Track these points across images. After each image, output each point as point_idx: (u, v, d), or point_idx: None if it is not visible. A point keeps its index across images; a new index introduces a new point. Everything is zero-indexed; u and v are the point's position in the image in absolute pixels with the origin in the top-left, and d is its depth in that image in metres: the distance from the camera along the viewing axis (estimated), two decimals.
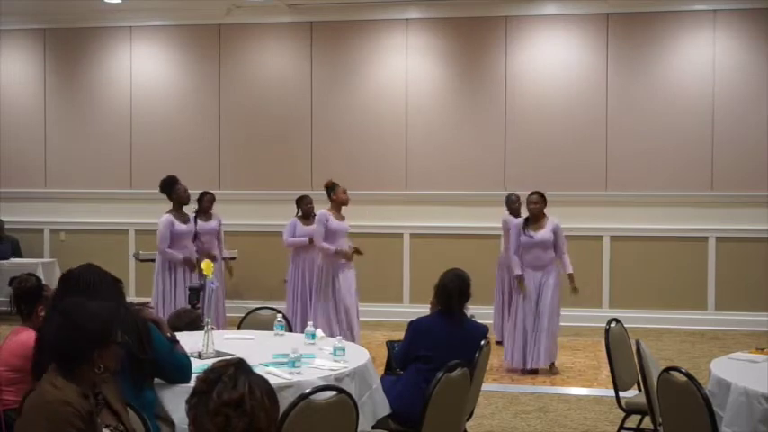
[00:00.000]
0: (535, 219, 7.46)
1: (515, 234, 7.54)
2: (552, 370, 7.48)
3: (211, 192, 8.60)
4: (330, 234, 7.58)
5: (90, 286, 3.39)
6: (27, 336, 3.97)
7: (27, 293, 4.25)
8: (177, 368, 3.57)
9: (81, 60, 11.22)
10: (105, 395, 2.78)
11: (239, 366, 2.17)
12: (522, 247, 7.47)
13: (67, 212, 11.10)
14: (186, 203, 8.04)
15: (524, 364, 7.41)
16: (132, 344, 3.33)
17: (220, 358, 2.70)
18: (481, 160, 10.25)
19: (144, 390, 3.41)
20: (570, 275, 7.43)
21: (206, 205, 8.49)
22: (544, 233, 7.40)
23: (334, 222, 7.62)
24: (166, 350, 3.55)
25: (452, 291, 4.64)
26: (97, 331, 2.71)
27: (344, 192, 7.74)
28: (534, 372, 7.40)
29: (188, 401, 2.17)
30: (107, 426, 2.72)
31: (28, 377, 3.65)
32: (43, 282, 4.55)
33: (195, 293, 6.88)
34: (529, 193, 7.61)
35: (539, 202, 7.44)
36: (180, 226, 7.90)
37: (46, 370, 2.74)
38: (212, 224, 8.42)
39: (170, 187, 7.99)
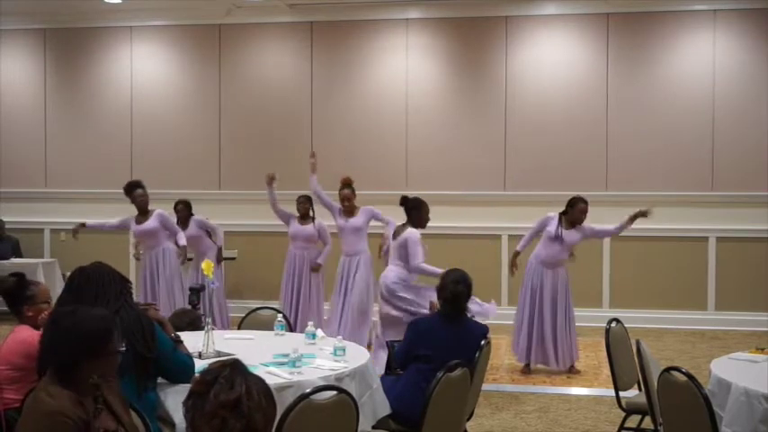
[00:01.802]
0: (579, 222, 7.45)
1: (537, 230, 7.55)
2: (572, 370, 7.47)
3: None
4: (339, 231, 7.99)
5: (99, 285, 3.44)
6: (27, 334, 3.98)
7: (6, 295, 4.22)
8: (180, 368, 3.60)
9: (81, 60, 11.22)
10: (106, 397, 2.78)
11: (235, 367, 2.16)
12: (548, 240, 7.42)
13: (67, 212, 11.07)
14: (142, 208, 8.17)
15: (546, 362, 7.41)
16: (138, 343, 3.37)
17: (220, 358, 2.70)
18: (481, 160, 10.25)
19: (147, 391, 3.43)
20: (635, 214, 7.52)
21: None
22: (575, 236, 7.42)
23: (339, 221, 7.93)
24: (170, 349, 3.58)
25: (460, 293, 4.63)
26: (87, 342, 2.68)
27: (341, 197, 7.91)
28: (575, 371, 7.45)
29: (184, 403, 2.16)
30: (106, 430, 2.71)
31: (29, 376, 3.66)
32: (41, 281, 4.54)
33: (195, 294, 6.90)
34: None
35: (587, 212, 7.46)
36: (136, 227, 8.20)
37: None
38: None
39: (129, 192, 8.18)
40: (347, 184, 7.99)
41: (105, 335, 2.72)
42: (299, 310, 8.47)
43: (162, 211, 8.26)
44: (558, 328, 7.38)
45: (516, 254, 7.58)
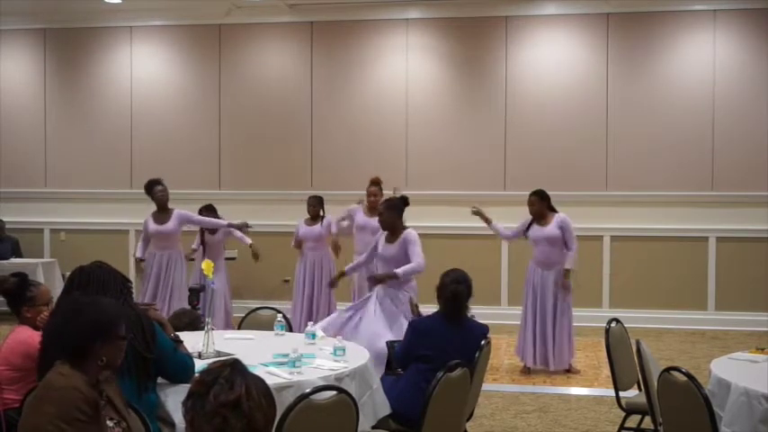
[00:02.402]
0: (538, 218, 7.43)
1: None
2: (572, 370, 7.49)
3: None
4: (358, 229, 8.03)
5: (100, 284, 3.45)
6: (28, 335, 3.99)
7: (6, 295, 4.22)
8: (180, 368, 3.60)
9: (81, 60, 11.22)
10: (109, 395, 2.79)
11: (235, 367, 2.16)
12: (532, 241, 7.50)
13: (67, 212, 11.10)
14: (163, 204, 8.03)
15: (546, 364, 7.41)
16: (138, 342, 3.37)
17: (219, 358, 2.70)
18: (481, 160, 10.26)
19: (147, 391, 3.43)
20: (566, 271, 7.35)
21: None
22: (550, 228, 7.39)
23: (361, 218, 8.04)
24: (170, 350, 3.58)
25: (460, 293, 4.61)
26: (100, 323, 2.73)
27: (368, 193, 8.08)
28: (571, 371, 7.46)
29: (184, 403, 2.15)
30: (111, 418, 2.73)
31: (28, 376, 3.67)
32: (40, 281, 4.54)
33: (195, 294, 6.91)
34: (528, 192, 7.61)
35: (535, 203, 7.42)
36: (153, 226, 7.98)
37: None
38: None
39: (149, 190, 8.08)
40: (375, 182, 8.07)
41: (115, 317, 2.78)
42: (311, 310, 8.44)
43: (181, 210, 8.07)
44: (557, 328, 7.38)
45: (489, 221, 7.74)
